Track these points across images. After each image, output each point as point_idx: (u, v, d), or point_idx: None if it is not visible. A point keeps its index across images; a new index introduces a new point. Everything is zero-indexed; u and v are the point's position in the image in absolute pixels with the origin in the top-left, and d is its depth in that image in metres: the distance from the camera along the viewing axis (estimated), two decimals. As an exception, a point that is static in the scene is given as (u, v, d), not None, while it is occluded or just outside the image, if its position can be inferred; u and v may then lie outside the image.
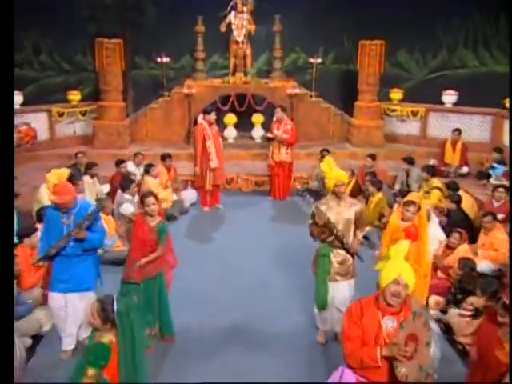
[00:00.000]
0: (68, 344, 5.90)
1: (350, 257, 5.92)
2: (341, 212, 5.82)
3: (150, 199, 5.85)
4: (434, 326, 4.50)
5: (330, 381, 4.55)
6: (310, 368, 5.86)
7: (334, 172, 5.71)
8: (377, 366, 4.02)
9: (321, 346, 6.22)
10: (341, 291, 5.90)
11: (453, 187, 9.69)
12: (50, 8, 13.09)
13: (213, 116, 10.37)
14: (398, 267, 4.20)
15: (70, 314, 5.82)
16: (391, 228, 6.20)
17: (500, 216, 8.49)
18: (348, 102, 14.28)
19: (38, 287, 6.76)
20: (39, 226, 7.77)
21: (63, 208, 5.58)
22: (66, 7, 13.44)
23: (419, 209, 6.07)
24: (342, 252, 5.89)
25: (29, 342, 6.11)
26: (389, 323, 4.13)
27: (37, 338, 6.24)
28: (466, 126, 12.87)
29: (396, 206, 7.23)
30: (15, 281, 6.32)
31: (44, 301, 6.25)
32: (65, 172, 6.34)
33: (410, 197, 6.26)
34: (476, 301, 6.14)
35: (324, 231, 5.83)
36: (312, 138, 13.57)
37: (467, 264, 6.83)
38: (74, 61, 14.43)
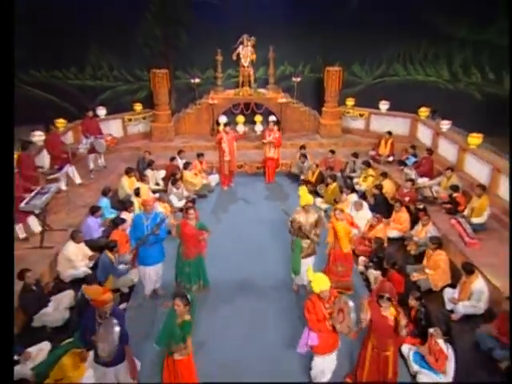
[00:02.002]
0: (148, 291, 6.82)
1: (311, 243, 6.61)
2: (308, 218, 6.48)
3: (191, 211, 6.61)
4: (351, 304, 4.72)
5: (302, 340, 5.04)
6: (290, 305, 6.59)
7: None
8: (326, 328, 4.83)
9: (295, 293, 6.99)
10: (307, 262, 6.59)
11: (382, 176, 10.02)
12: (118, 37, 13.35)
13: (228, 128, 10.81)
14: (321, 282, 4.81)
15: (150, 275, 6.69)
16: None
17: (406, 198, 9.19)
18: (318, 101, 14.21)
19: (129, 254, 6.98)
20: (124, 214, 8.40)
21: (147, 213, 6.39)
22: (128, 36, 13.55)
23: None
24: (308, 241, 6.57)
25: (126, 290, 7.07)
26: (327, 307, 4.89)
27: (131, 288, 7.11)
28: (393, 125, 12.94)
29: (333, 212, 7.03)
30: (116, 250, 6.93)
31: (133, 267, 6.94)
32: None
33: (339, 205, 6.94)
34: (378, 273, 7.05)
35: (298, 230, 6.51)
36: (294, 132, 13.76)
37: (378, 241, 7.55)
38: (135, 74, 14.57)
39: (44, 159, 10.24)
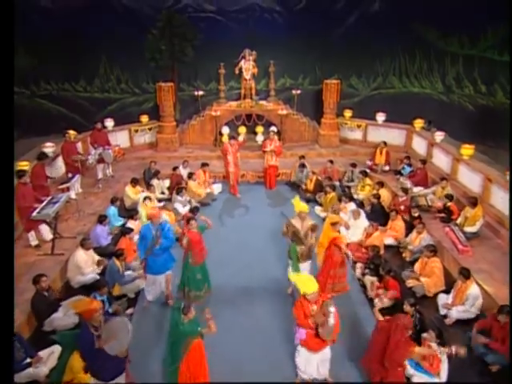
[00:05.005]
0: (151, 298, 6.82)
1: (306, 248, 6.65)
2: (303, 225, 6.54)
3: (193, 221, 6.66)
4: (332, 309, 4.92)
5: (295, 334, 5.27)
6: (285, 308, 6.60)
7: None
8: (310, 326, 5.01)
9: (290, 296, 7.04)
10: (304, 267, 6.70)
11: (379, 186, 10.00)
12: (126, 52, 13.62)
13: (233, 141, 10.98)
14: (304, 285, 4.99)
15: (159, 283, 6.70)
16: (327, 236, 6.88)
17: (402, 207, 9.26)
18: (317, 112, 14.32)
19: (136, 261, 7.39)
20: (130, 222, 8.54)
21: (154, 224, 6.38)
22: (136, 51, 13.71)
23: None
24: (303, 246, 6.62)
25: (133, 295, 7.10)
26: (314, 307, 5.05)
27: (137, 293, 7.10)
28: (389, 136, 13.01)
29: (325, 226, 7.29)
30: (123, 258, 7.06)
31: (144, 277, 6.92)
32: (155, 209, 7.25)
33: (334, 219, 6.94)
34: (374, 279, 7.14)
35: (293, 235, 6.61)
36: (294, 142, 13.83)
37: (375, 249, 7.59)
38: (142, 86, 14.80)
39: (52, 169, 10.32)
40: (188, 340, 4.82)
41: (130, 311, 6.76)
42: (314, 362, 5.23)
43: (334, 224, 6.75)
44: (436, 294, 6.96)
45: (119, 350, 4.48)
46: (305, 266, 6.73)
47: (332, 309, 4.89)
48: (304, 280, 5.13)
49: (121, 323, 4.59)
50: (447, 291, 6.87)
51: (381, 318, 5.38)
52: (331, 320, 4.87)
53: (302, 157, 11.79)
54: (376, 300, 6.80)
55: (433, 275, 7.04)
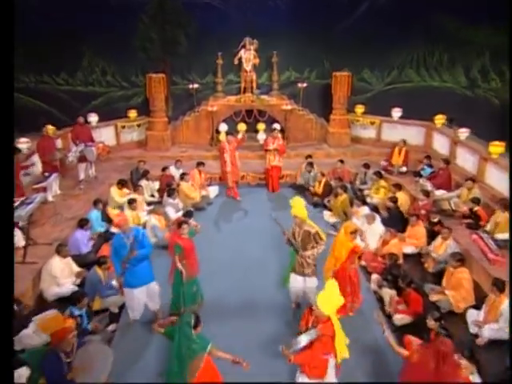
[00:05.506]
0: (135, 316, 6.48)
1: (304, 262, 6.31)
2: (299, 232, 6.24)
3: (185, 226, 6.41)
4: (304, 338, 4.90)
5: None
6: (288, 325, 6.44)
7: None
8: None
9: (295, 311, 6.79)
10: (299, 280, 6.43)
11: (396, 188, 9.87)
12: (113, 40, 13.29)
13: (231, 137, 10.85)
14: (322, 303, 4.79)
15: (138, 298, 6.27)
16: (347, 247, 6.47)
17: (422, 212, 9.03)
18: (326, 108, 14.18)
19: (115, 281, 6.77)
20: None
21: (125, 232, 6.04)
22: (123, 39, 13.50)
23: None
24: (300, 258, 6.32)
25: (117, 310, 6.83)
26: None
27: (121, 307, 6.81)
28: (407, 133, 12.78)
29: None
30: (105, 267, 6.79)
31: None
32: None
33: (352, 226, 6.59)
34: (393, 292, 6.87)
35: (288, 241, 6.34)
36: (299, 141, 13.68)
37: (392, 258, 7.40)
38: (130, 79, 14.54)
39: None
40: (199, 356, 4.64)
41: (111, 327, 6.50)
42: None
43: (352, 233, 6.48)
44: (465, 310, 6.67)
45: (95, 382, 4.13)
46: (299, 279, 6.41)
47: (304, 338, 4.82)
48: (329, 296, 4.82)
49: (99, 349, 4.23)
50: (477, 306, 6.59)
51: (395, 345, 4.96)
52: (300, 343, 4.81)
53: (309, 156, 11.67)
54: (396, 316, 6.52)
55: (460, 288, 6.77)
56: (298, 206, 6.24)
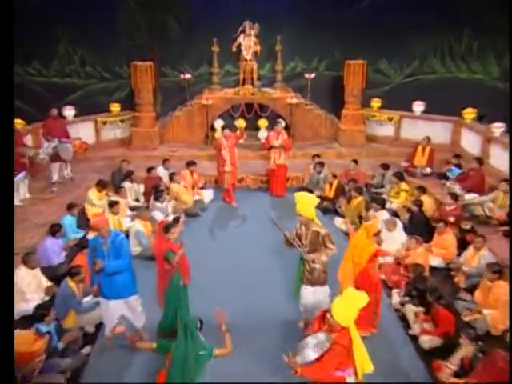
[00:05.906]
0: (108, 332, 6.04)
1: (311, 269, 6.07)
2: (305, 234, 6.00)
3: (174, 230, 6.26)
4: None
5: None
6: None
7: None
8: None
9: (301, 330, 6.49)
10: (309, 291, 6.21)
11: (419, 191, 9.63)
12: (93, 26, 13.09)
13: (228, 131, 10.71)
14: (338, 313, 4.57)
15: (113, 311, 6.00)
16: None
17: (451, 218, 8.83)
18: (337, 103, 14.16)
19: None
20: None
21: (103, 236, 5.77)
22: (106, 25, 13.36)
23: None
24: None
25: (92, 329, 6.59)
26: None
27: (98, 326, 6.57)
28: (430, 130, 12.68)
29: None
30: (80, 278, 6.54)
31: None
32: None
33: (374, 228, 6.44)
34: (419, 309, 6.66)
35: (288, 242, 6.15)
36: (307, 140, 13.62)
37: (417, 269, 7.14)
38: (113, 71, 14.40)
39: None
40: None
41: (86, 350, 6.22)
42: None
43: (376, 235, 6.35)
44: (504, 332, 6.42)
45: None
46: (309, 290, 6.19)
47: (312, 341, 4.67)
48: (347, 303, 4.62)
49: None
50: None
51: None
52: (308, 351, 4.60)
53: (317, 156, 11.58)
54: (422, 337, 6.28)
55: (499, 305, 6.50)
56: (304, 202, 6.00)
